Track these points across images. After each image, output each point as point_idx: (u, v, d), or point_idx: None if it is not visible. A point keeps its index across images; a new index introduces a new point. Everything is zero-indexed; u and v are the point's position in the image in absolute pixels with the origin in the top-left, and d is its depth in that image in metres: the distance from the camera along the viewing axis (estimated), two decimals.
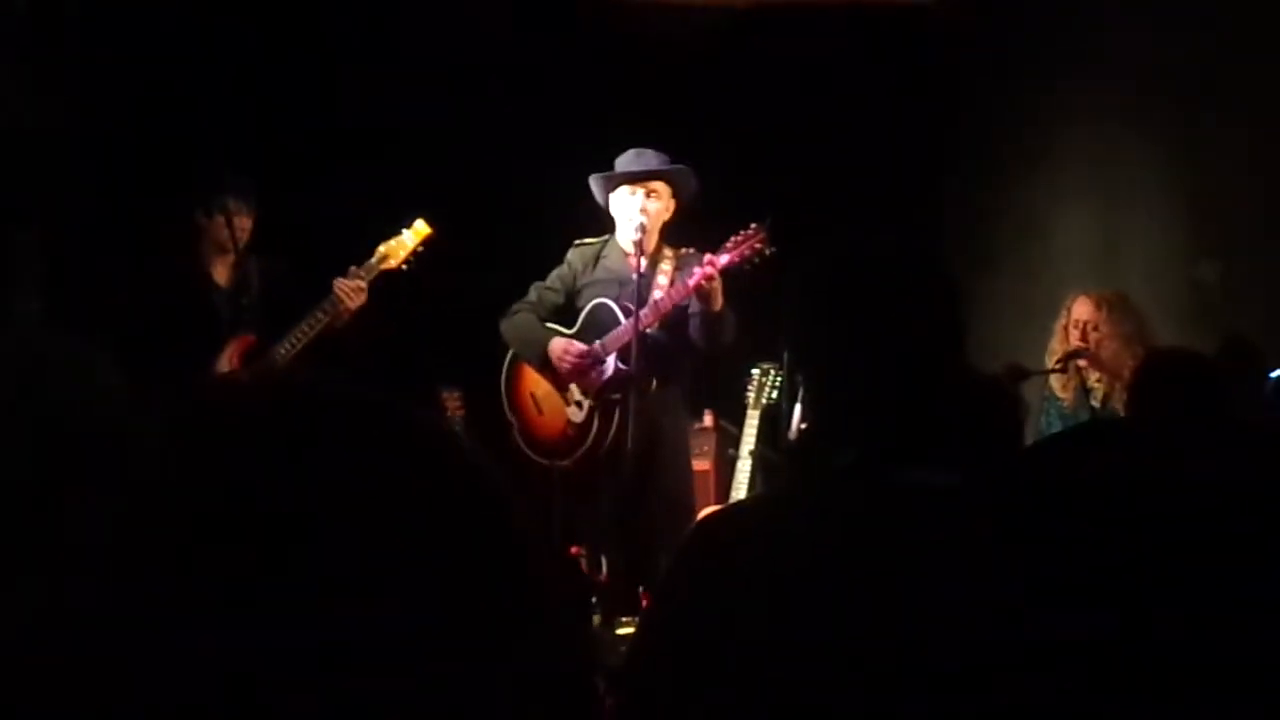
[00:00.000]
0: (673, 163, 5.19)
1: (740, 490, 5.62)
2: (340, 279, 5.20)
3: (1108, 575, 1.04)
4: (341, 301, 5.17)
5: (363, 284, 5.21)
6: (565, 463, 5.24)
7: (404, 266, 5.32)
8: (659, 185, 5.16)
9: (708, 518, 1.82)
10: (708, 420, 6.56)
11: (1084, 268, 6.14)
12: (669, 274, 5.19)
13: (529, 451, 5.32)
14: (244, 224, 5.33)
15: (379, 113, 6.51)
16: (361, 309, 5.21)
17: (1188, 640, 1.05)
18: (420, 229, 5.34)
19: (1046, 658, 1.05)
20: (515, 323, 5.33)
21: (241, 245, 5.28)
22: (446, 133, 6.49)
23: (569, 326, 5.30)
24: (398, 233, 5.35)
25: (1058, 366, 5.17)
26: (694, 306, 5.07)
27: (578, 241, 5.37)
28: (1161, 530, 1.07)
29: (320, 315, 5.18)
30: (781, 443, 5.07)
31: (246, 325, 5.26)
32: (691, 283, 4.97)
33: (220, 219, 5.24)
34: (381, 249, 5.31)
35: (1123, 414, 4.62)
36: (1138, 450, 1.16)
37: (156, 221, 5.42)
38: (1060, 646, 1.04)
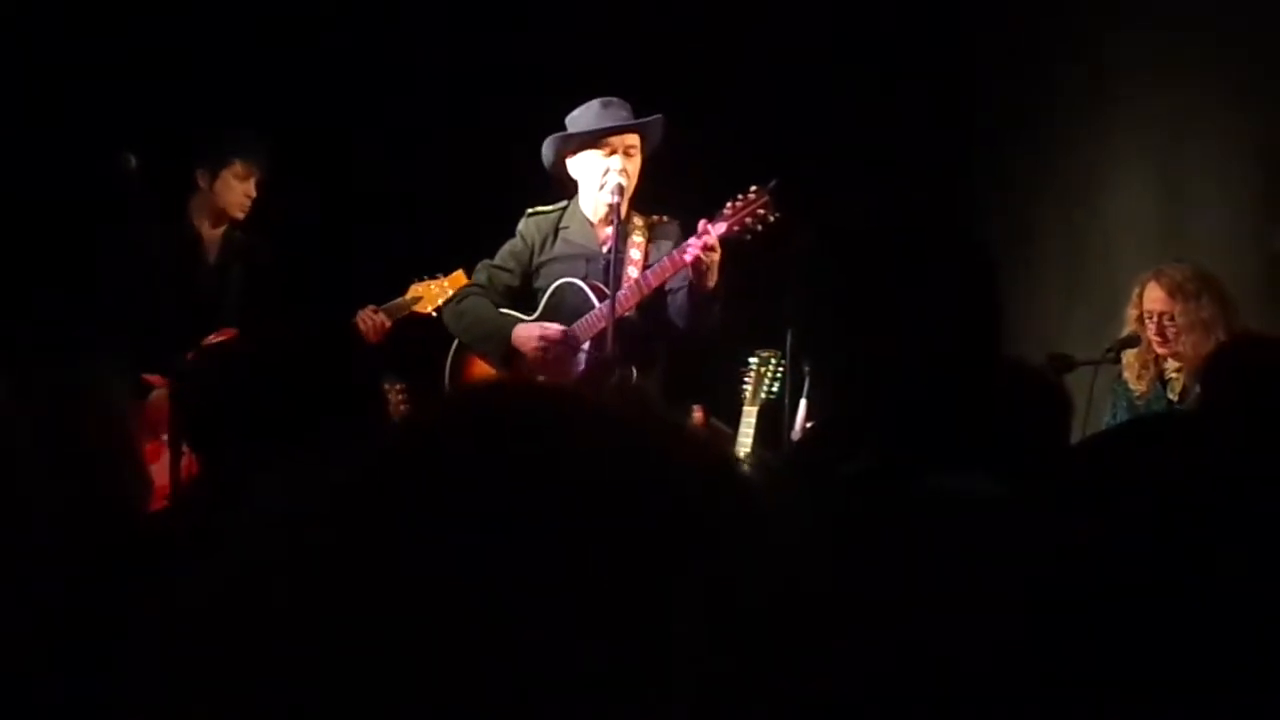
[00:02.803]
0: (638, 113, 5.13)
1: None
2: (365, 312, 5.42)
3: (1187, 599, 1.03)
4: (357, 334, 5.36)
5: (388, 324, 5.43)
6: None
7: (434, 313, 5.48)
8: (636, 140, 5.11)
9: None
10: (696, 418, 6.54)
11: (1140, 240, 6.14)
12: (641, 246, 5.15)
13: None
14: (249, 190, 5.55)
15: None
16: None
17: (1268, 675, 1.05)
18: (459, 278, 5.50)
19: (1118, 695, 1.04)
20: (464, 310, 5.26)
21: (244, 213, 5.57)
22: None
23: (526, 312, 5.22)
24: (434, 275, 5.54)
25: (1109, 356, 5.18)
26: (676, 282, 5.04)
27: (530, 210, 5.29)
28: (1241, 548, 1.06)
29: None
30: (784, 445, 5.06)
31: (227, 310, 5.48)
32: (688, 256, 4.92)
33: (226, 181, 5.51)
34: (416, 290, 5.52)
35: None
36: (1208, 452, 1.15)
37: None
38: (1134, 683, 1.03)
